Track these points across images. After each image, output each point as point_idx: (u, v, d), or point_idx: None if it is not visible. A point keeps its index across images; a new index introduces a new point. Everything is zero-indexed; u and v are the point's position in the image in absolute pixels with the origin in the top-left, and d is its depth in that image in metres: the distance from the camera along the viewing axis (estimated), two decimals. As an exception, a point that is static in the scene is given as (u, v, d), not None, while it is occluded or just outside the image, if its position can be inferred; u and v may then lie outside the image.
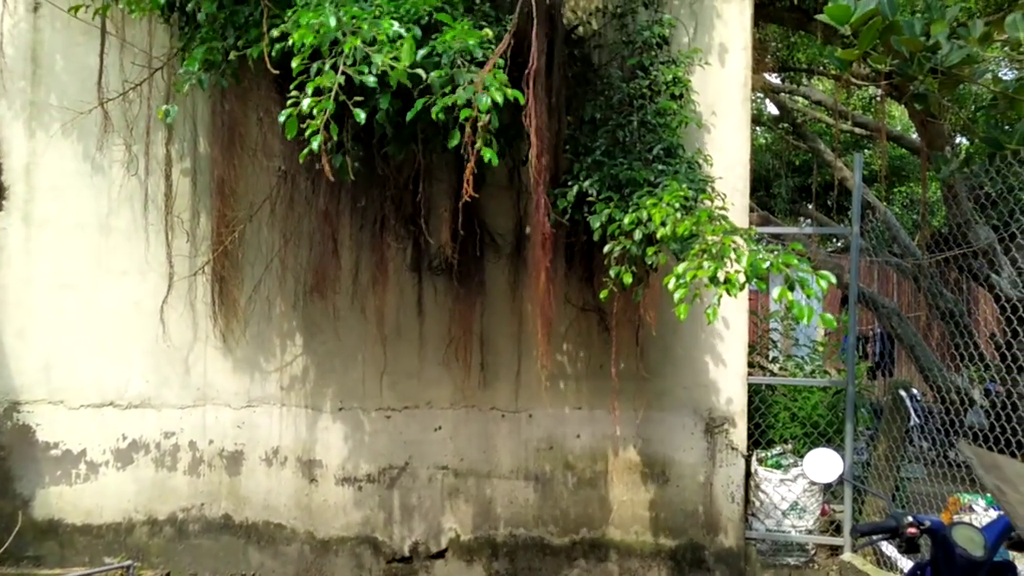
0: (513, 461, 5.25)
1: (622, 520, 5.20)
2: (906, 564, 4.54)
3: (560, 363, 5.22)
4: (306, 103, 3.11)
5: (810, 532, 5.39)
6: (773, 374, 6.41)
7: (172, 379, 5.18)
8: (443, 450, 5.25)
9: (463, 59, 3.29)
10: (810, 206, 12.67)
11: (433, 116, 3.16)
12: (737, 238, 3.55)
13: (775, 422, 5.73)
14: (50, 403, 5.14)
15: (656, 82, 4.71)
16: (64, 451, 5.14)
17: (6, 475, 5.10)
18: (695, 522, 5.17)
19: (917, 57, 3.78)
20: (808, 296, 3.31)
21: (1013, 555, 3.34)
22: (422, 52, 3.30)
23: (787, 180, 12.69)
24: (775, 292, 3.32)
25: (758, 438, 5.62)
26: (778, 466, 5.43)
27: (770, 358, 6.82)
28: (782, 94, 10.64)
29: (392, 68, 3.07)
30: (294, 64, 3.17)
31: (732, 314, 5.09)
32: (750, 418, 5.35)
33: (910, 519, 2.86)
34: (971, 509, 5.27)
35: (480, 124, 3.17)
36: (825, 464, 3.53)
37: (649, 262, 3.88)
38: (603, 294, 4.22)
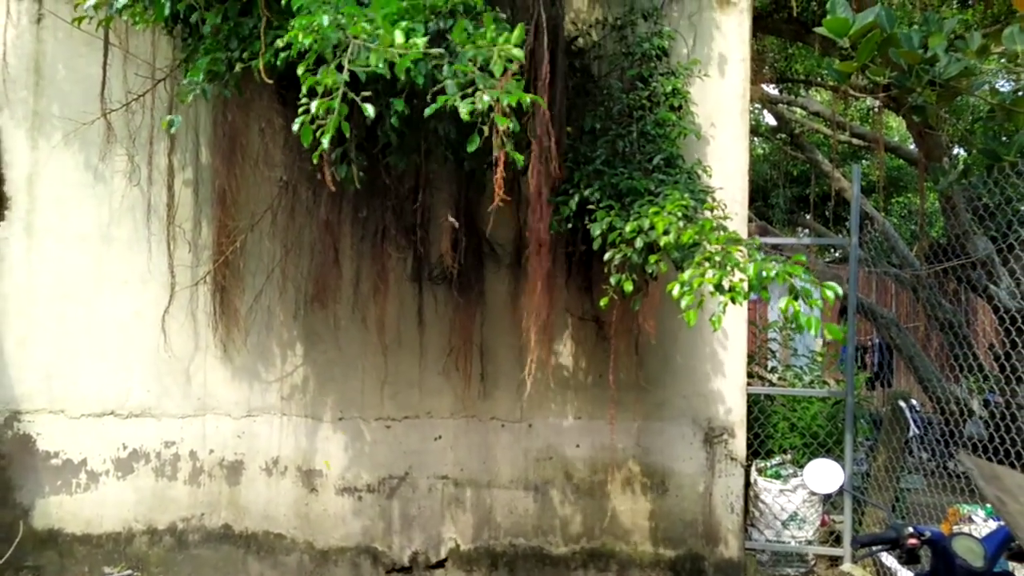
0: (513, 471, 5.25)
1: (622, 530, 5.20)
2: (906, 575, 4.54)
3: (560, 373, 5.23)
4: (314, 105, 3.11)
5: (810, 543, 5.39)
6: (772, 384, 6.42)
7: (173, 389, 5.19)
8: (443, 460, 5.25)
9: (479, 67, 3.30)
10: (808, 216, 12.70)
11: (463, 117, 3.13)
12: (740, 247, 3.57)
13: (774, 432, 5.74)
14: (51, 412, 5.15)
15: (655, 93, 4.74)
16: (64, 460, 5.14)
17: (6, 485, 5.09)
18: (695, 532, 5.17)
19: (915, 69, 3.82)
20: (812, 307, 3.33)
21: (1013, 566, 3.34)
22: (447, 69, 3.29)
23: (785, 190, 12.73)
24: (780, 303, 3.34)
25: (757, 448, 5.64)
26: (777, 476, 5.44)
27: (769, 368, 6.83)
28: (780, 105, 10.70)
29: (400, 56, 3.07)
30: (300, 71, 3.18)
31: (732, 324, 5.10)
32: (749, 428, 5.36)
33: (910, 530, 2.88)
34: (971, 520, 5.27)
35: (502, 129, 3.17)
36: (825, 475, 3.55)
37: (650, 270, 3.90)
38: (603, 302, 4.24)
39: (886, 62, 3.95)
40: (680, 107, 4.75)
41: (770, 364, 6.93)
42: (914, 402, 6.74)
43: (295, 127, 3.18)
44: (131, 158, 5.19)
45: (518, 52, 3.17)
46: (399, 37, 3.07)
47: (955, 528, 5.19)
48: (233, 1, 3.89)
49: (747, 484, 5.37)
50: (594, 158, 4.49)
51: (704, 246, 3.56)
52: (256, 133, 5.14)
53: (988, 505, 5.42)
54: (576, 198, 4.39)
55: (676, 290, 3.54)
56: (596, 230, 4.16)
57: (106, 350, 5.17)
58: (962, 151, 10.38)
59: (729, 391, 5.19)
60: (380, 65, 3.08)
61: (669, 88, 4.73)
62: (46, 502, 5.12)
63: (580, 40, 5.10)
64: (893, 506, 5.52)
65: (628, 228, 3.90)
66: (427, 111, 3.23)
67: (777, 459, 5.59)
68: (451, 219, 4.76)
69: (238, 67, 3.92)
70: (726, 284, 3.38)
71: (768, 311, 9.05)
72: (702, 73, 5.09)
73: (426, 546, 5.22)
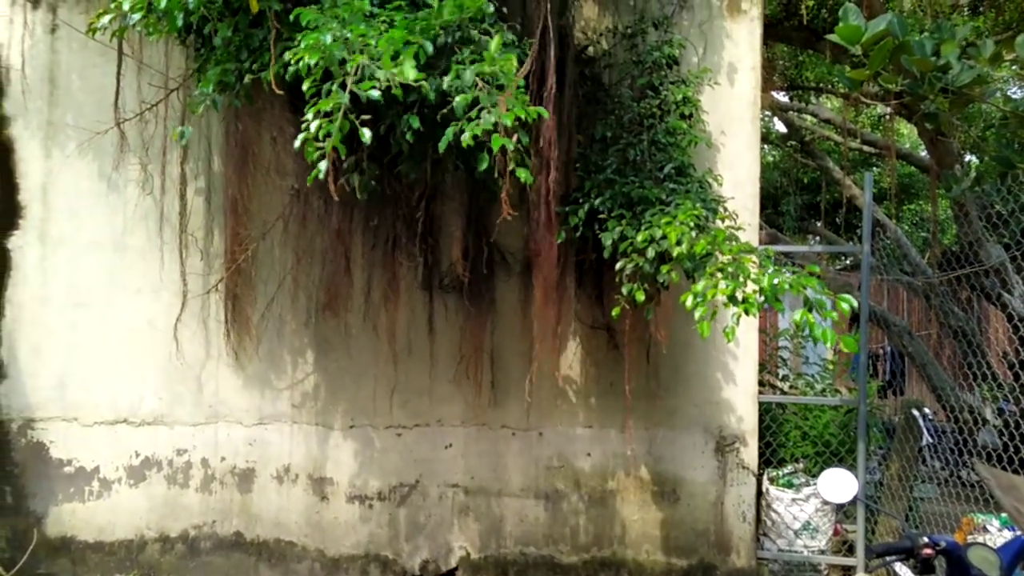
0: (523, 479, 5.25)
1: (633, 539, 5.19)
2: (920, 585, 4.50)
3: (570, 381, 5.23)
4: (314, 126, 3.15)
5: (822, 552, 5.35)
6: (784, 392, 6.39)
7: (185, 396, 5.21)
8: (453, 468, 5.25)
9: (483, 81, 3.32)
10: (819, 224, 12.66)
11: (464, 144, 3.19)
12: (753, 257, 3.57)
13: (786, 441, 5.71)
14: (64, 420, 5.17)
15: (666, 102, 4.75)
16: (77, 468, 5.16)
17: (20, 492, 5.12)
18: (706, 541, 5.15)
19: (928, 76, 3.81)
20: (826, 318, 3.32)
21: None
22: (447, 79, 3.32)
23: (795, 198, 12.70)
24: (795, 314, 3.33)
25: (769, 457, 5.60)
26: (790, 485, 5.41)
27: (780, 376, 6.80)
28: (790, 112, 10.68)
29: (395, 83, 3.11)
30: (305, 87, 3.21)
31: (743, 332, 5.07)
32: (761, 437, 5.34)
33: (925, 539, 2.86)
34: (985, 529, 5.23)
35: (510, 148, 3.20)
36: (839, 484, 3.53)
37: (661, 280, 3.90)
38: (615, 311, 4.24)
39: (898, 69, 3.95)
40: (691, 115, 4.76)
41: (781, 372, 6.89)
42: (927, 411, 6.70)
43: (296, 144, 3.21)
44: (144, 167, 5.22)
45: (514, 67, 3.21)
46: (398, 66, 3.11)
47: (969, 538, 5.15)
48: (244, 13, 3.92)
49: (759, 493, 5.34)
50: (605, 167, 4.50)
51: (717, 256, 3.56)
52: (268, 142, 5.17)
53: (1003, 515, 5.37)
54: (586, 207, 4.40)
55: (689, 301, 3.54)
56: (607, 239, 4.17)
57: (119, 358, 5.20)
58: (974, 158, 10.33)
59: (740, 399, 5.18)
60: (377, 93, 3.12)
61: (680, 96, 4.74)
62: (59, 509, 5.14)
63: (590, 49, 5.12)
64: (906, 515, 5.48)
65: (640, 238, 3.91)
66: (441, 145, 3.27)
67: (789, 468, 5.56)
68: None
69: (248, 78, 3.96)
70: (739, 295, 3.37)
71: (778, 319, 9.01)
72: (712, 81, 5.09)
73: (436, 554, 5.22)
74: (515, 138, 3.24)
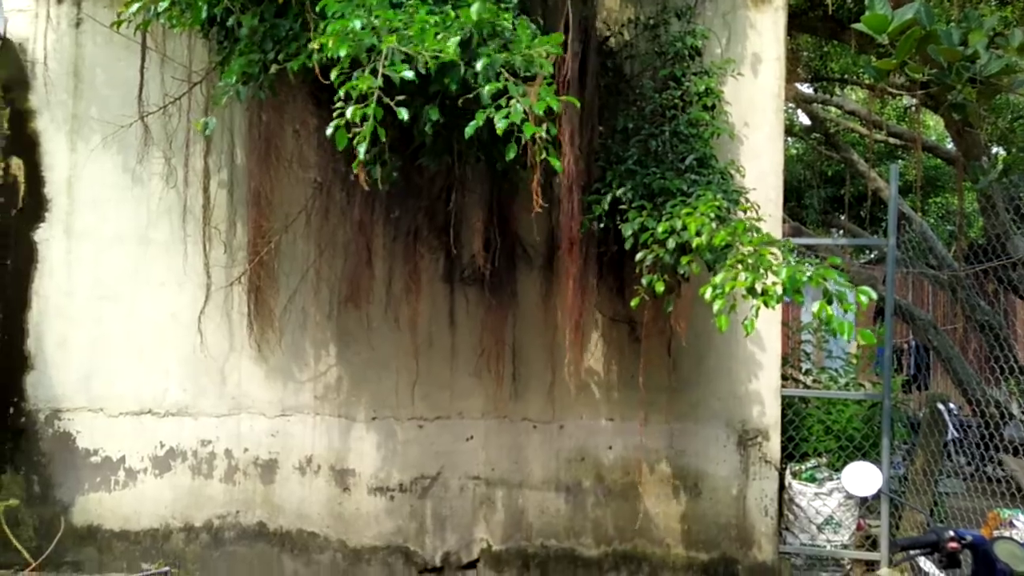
0: (544, 472, 5.25)
1: (654, 532, 5.18)
2: (945, 580, 4.46)
3: (592, 374, 5.22)
4: (350, 111, 3.14)
5: (845, 547, 5.32)
6: (807, 386, 6.35)
7: (208, 388, 5.25)
8: (475, 460, 5.26)
9: (509, 72, 3.31)
10: (843, 217, 12.54)
11: (498, 132, 3.18)
12: (774, 249, 3.53)
13: (809, 435, 5.67)
14: (90, 411, 5.23)
15: (688, 93, 4.72)
16: (103, 458, 5.22)
17: (47, 482, 5.19)
18: (728, 535, 5.13)
19: (955, 67, 3.76)
20: (847, 311, 3.28)
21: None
22: (480, 63, 3.32)
23: (819, 191, 12.58)
24: (814, 306, 3.29)
25: (792, 451, 5.57)
26: (812, 480, 5.37)
27: (803, 370, 6.75)
28: (814, 104, 10.57)
29: (437, 57, 3.10)
30: (332, 76, 3.21)
31: (765, 325, 5.04)
32: (783, 431, 5.30)
33: (951, 533, 2.83)
34: (1011, 524, 5.17)
35: (539, 137, 3.19)
36: (864, 477, 3.50)
37: (682, 271, 3.88)
38: (634, 302, 4.22)
39: (924, 59, 3.89)
40: (713, 106, 4.72)
41: (804, 366, 6.84)
42: (952, 405, 6.63)
43: (329, 131, 3.20)
44: (168, 160, 5.26)
45: (553, 51, 3.19)
46: (440, 43, 3.10)
47: (995, 533, 5.09)
48: (269, 3, 3.93)
49: (781, 487, 5.31)
50: (626, 157, 4.48)
51: (737, 248, 3.53)
52: (290, 135, 5.19)
53: (1030, 510, 5.31)
54: (608, 197, 4.38)
55: (708, 293, 3.51)
56: (628, 230, 4.15)
57: (143, 350, 5.25)
58: (1001, 150, 10.19)
59: (763, 393, 5.15)
60: (411, 73, 3.10)
61: (702, 87, 4.70)
62: (86, 499, 5.20)
63: (612, 40, 5.09)
64: (931, 510, 5.43)
65: (660, 228, 3.89)
66: (467, 129, 3.26)
67: (812, 462, 5.52)
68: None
69: (273, 68, 3.97)
70: (759, 287, 3.34)
71: (801, 312, 8.95)
72: (736, 72, 5.05)
73: (458, 546, 5.23)
74: (544, 127, 3.23)
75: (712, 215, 3.72)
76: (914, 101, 9.29)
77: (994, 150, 9.92)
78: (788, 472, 5.44)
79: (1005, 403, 6.93)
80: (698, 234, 3.66)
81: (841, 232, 12.42)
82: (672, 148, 4.45)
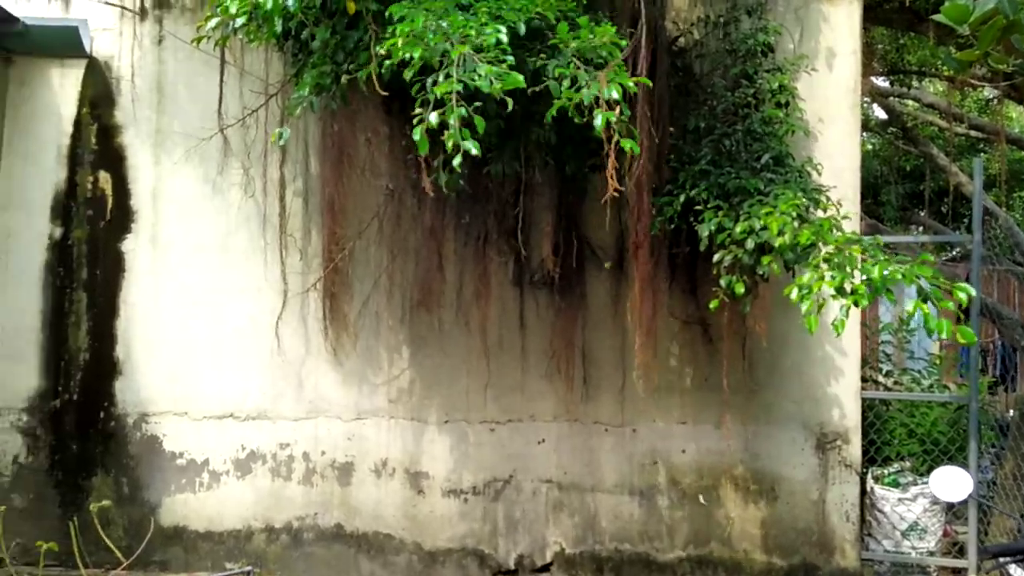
0: (617, 476, 5.21)
1: (730, 537, 5.10)
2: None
3: (664, 376, 5.16)
4: (434, 116, 3.16)
5: (931, 554, 5.14)
6: (888, 388, 6.16)
7: (286, 392, 5.38)
8: (547, 463, 5.26)
9: (580, 60, 3.32)
10: (922, 213, 12.13)
11: (585, 102, 3.20)
12: (859, 248, 3.44)
13: (891, 439, 5.50)
14: (175, 414, 5.41)
15: (761, 90, 4.65)
16: (188, 461, 5.40)
17: (136, 483, 5.39)
18: (807, 541, 5.02)
19: (1042, 56, 3.61)
20: (945, 308, 3.17)
21: None
22: (553, 62, 3.34)
23: (897, 187, 12.19)
24: (907, 305, 3.19)
25: (873, 455, 5.41)
26: (896, 484, 5.21)
27: (883, 372, 6.55)
28: (891, 98, 10.26)
29: (500, 78, 3.12)
30: (407, 75, 3.25)
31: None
32: (864, 434, 5.16)
33: (1048, 540, 2.72)
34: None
35: (613, 121, 3.19)
36: (953, 482, 3.40)
37: (761, 272, 3.81)
38: (713, 304, 4.16)
39: (1008, 49, 3.74)
40: (787, 103, 4.64)
41: (884, 367, 6.64)
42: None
43: (416, 135, 3.22)
44: (246, 171, 5.41)
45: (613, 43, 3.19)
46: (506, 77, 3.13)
47: (1094, 542, 4.85)
48: (340, 15, 4.01)
49: (863, 492, 5.16)
50: (699, 158, 4.43)
51: (820, 247, 3.45)
52: (362, 143, 5.28)
53: None
54: (681, 198, 4.33)
55: (795, 294, 3.43)
56: (704, 231, 4.10)
57: (225, 355, 5.41)
58: (1090, 141, 9.72)
59: (842, 395, 5.03)
60: (486, 85, 3.12)
61: (775, 84, 4.63)
62: (172, 500, 5.38)
63: (681, 39, 5.04)
64: (1022, 515, 5.21)
65: (738, 229, 3.82)
66: (548, 114, 3.27)
67: (895, 466, 5.36)
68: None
69: (344, 79, 4.04)
70: (848, 287, 3.25)
71: (879, 312, 8.68)
72: (809, 68, 4.95)
73: (531, 549, 5.24)
74: (618, 110, 3.22)
75: (794, 214, 3.64)
76: (997, 92, 8.94)
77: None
78: (870, 476, 5.29)
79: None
80: (780, 233, 3.58)
81: (921, 229, 12.01)
82: (746, 147, 4.38)
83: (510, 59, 3.20)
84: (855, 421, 5.04)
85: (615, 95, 3.17)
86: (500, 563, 5.25)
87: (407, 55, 3.25)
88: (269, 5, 3.75)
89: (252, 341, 5.39)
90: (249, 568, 4.60)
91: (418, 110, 3.22)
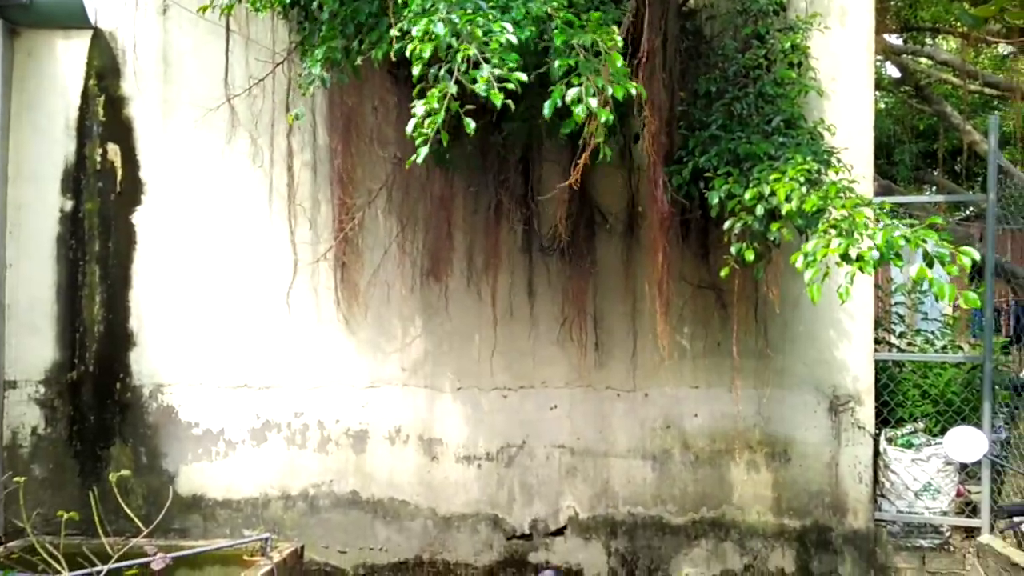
0: (629, 440, 5.24)
1: (742, 500, 5.13)
2: (1053, 549, 4.29)
3: (676, 341, 5.17)
4: (420, 110, 3.17)
5: (944, 513, 5.16)
6: (901, 350, 6.14)
7: (300, 361, 5.41)
8: (559, 429, 5.29)
9: (583, 49, 3.28)
10: (936, 173, 11.98)
11: (577, 119, 3.24)
12: (868, 212, 3.39)
13: (904, 400, 5.49)
14: (190, 384, 5.46)
15: (773, 51, 4.57)
16: (204, 430, 5.45)
17: (154, 452, 5.46)
18: (820, 503, 5.05)
19: (1062, 10, 3.53)
20: (949, 273, 3.14)
21: None
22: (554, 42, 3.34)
23: (910, 146, 12.03)
24: (912, 269, 3.16)
25: (886, 417, 5.41)
26: (909, 445, 5.22)
27: (896, 333, 6.53)
28: (904, 55, 10.09)
29: (501, 82, 3.12)
30: (415, 71, 3.22)
31: (857, 287, 4.83)
32: (877, 396, 5.16)
33: (1062, 502, 2.72)
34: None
35: (599, 123, 3.19)
36: (968, 442, 3.39)
37: (772, 238, 3.78)
38: (724, 271, 4.14)
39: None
40: (800, 64, 4.57)
41: (897, 329, 6.61)
42: (1058, 367, 6.31)
43: (409, 129, 3.22)
44: (254, 141, 5.39)
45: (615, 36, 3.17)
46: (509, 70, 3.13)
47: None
48: (350, -13, 3.95)
49: (876, 454, 5.18)
50: (709, 123, 4.37)
51: (830, 212, 3.40)
52: (370, 112, 5.25)
53: None
54: (691, 165, 4.29)
55: (799, 262, 3.40)
56: (714, 198, 4.06)
57: (237, 325, 5.43)
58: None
59: (855, 357, 5.02)
60: (483, 90, 3.11)
61: (787, 44, 4.55)
62: (189, 469, 5.45)
63: (691, 1, 4.95)
64: (1036, 476, 5.21)
65: (748, 195, 3.78)
66: (546, 109, 3.27)
67: (908, 428, 5.36)
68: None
69: (358, 60, 3.98)
70: (853, 253, 3.21)
71: (892, 272, 8.63)
72: (822, 26, 4.86)
73: (545, 513, 5.29)
74: (605, 118, 3.24)
75: (802, 179, 3.59)
76: (1012, 49, 8.78)
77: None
78: (883, 438, 5.29)
79: (1116, 364, 6.57)
80: (787, 200, 3.54)
81: (935, 188, 11.89)
82: (758, 110, 4.32)
83: (515, 56, 3.18)
84: (868, 383, 5.03)
85: (594, 103, 3.19)
86: (514, 527, 5.31)
87: (420, 53, 3.23)
88: (273, -26, 3.71)
89: (265, 311, 5.41)
90: (267, 535, 4.66)
91: (416, 102, 3.21)
